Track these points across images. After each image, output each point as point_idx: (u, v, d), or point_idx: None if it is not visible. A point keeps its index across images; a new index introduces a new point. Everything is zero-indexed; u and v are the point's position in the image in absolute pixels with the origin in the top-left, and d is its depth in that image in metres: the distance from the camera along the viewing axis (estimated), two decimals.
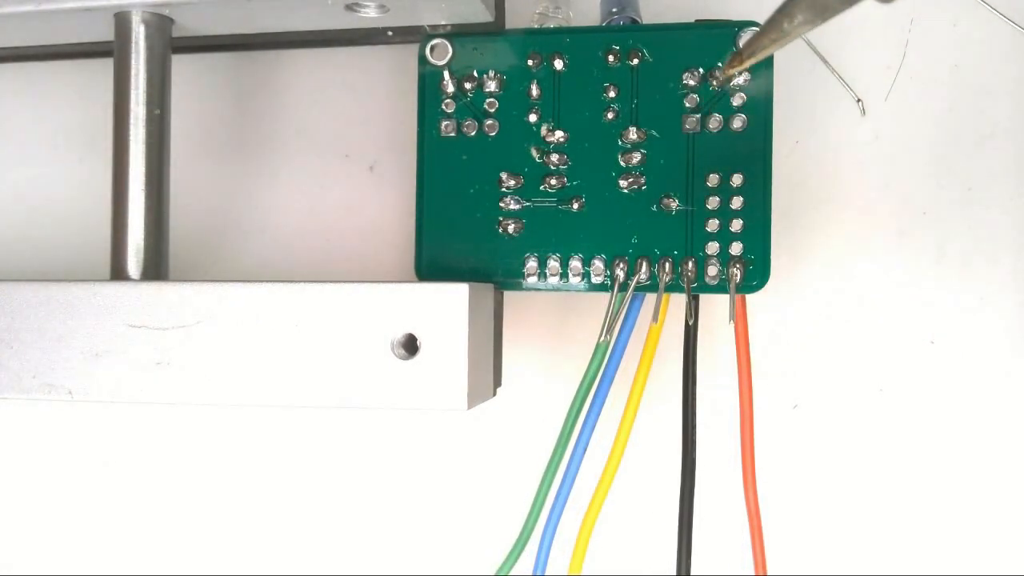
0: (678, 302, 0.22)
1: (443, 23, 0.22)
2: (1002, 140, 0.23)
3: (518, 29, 0.23)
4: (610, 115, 0.22)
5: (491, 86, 0.22)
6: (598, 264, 0.22)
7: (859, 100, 0.18)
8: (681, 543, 0.22)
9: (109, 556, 0.28)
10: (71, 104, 0.27)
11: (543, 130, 0.22)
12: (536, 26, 0.23)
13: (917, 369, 0.24)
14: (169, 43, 0.23)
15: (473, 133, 0.22)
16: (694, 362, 0.22)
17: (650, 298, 0.22)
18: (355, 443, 0.26)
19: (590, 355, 0.22)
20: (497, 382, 0.22)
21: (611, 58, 0.22)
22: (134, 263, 0.22)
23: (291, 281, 0.19)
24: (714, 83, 0.21)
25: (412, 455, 0.26)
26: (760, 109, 0.21)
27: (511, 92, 0.22)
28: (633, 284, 0.22)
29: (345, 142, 0.26)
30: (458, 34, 0.22)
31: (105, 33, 0.23)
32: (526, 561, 0.23)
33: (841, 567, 0.24)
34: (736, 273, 0.21)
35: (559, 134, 0.22)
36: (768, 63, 0.21)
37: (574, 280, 0.22)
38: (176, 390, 0.20)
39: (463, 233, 0.23)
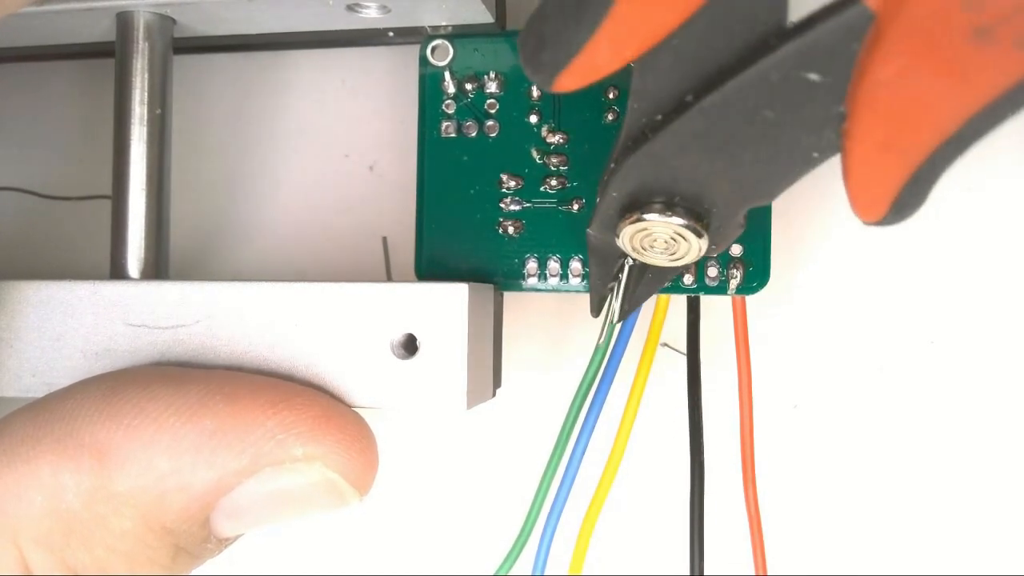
0: (678, 302, 0.22)
1: (444, 24, 0.22)
2: (1002, 139, 0.23)
3: (519, 30, 0.23)
4: (610, 116, 0.22)
5: (492, 87, 0.22)
6: None
7: None
8: (693, 545, 0.22)
9: None
10: (72, 103, 0.27)
11: (544, 131, 0.22)
12: None
13: (917, 369, 0.24)
14: (171, 43, 0.23)
15: (474, 134, 0.23)
16: (698, 363, 0.22)
17: (650, 298, 0.22)
18: None
19: (590, 355, 0.22)
20: (497, 382, 0.22)
21: None
22: (134, 262, 0.22)
23: (291, 281, 0.19)
24: None
25: (411, 455, 0.26)
26: None
27: (512, 93, 0.22)
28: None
29: (345, 142, 0.26)
30: (459, 35, 0.23)
31: (107, 33, 0.23)
32: (526, 561, 0.23)
33: (841, 567, 0.24)
34: (736, 274, 0.21)
35: (559, 135, 0.22)
36: None
37: (574, 280, 0.22)
38: None
39: (463, 233, 0.23)
